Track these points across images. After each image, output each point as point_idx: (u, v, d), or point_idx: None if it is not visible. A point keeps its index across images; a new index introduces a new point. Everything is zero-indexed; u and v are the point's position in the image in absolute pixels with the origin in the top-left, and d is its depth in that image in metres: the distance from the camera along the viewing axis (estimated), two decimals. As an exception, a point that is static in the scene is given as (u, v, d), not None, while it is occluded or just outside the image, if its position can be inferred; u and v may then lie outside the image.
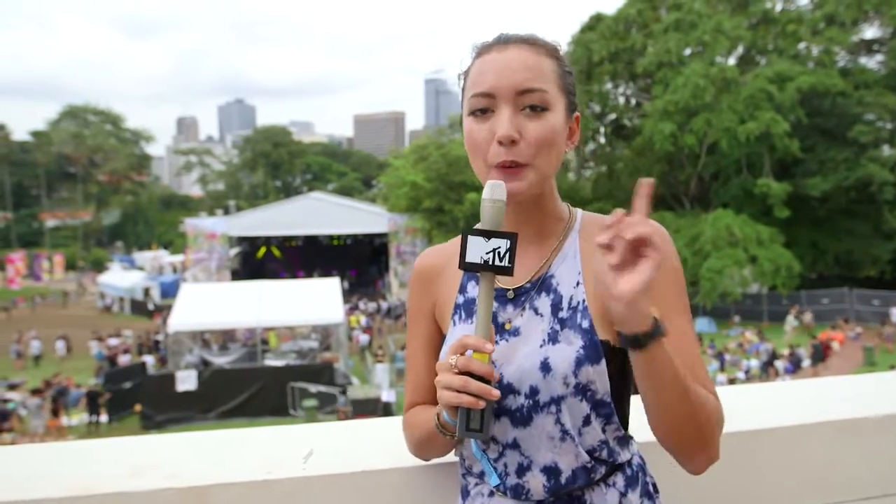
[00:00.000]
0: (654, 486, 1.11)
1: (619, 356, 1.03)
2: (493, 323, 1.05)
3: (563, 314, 1.03)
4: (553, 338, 1.02)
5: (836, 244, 30.69)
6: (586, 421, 1.01)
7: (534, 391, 1.01)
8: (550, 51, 1.05)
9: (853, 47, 32.21)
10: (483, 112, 1.03)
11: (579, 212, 1.15)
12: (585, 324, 1.01)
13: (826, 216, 30.70)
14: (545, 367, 1.00)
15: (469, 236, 0.94)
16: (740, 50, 32.58)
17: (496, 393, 0.91)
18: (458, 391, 0.91)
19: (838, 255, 31.09)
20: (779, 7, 32.49)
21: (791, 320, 24.94)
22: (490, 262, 0.93)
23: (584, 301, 1.03)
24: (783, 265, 26.65)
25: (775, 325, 27.61)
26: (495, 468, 1.05)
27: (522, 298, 1.07)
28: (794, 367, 19.38)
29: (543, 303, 1.05)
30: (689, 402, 0.94)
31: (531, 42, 1.05)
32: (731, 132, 28.01)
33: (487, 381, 0.92)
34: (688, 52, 30.44)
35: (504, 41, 1.05)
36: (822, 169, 29.59)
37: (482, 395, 0.91)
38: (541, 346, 1.02)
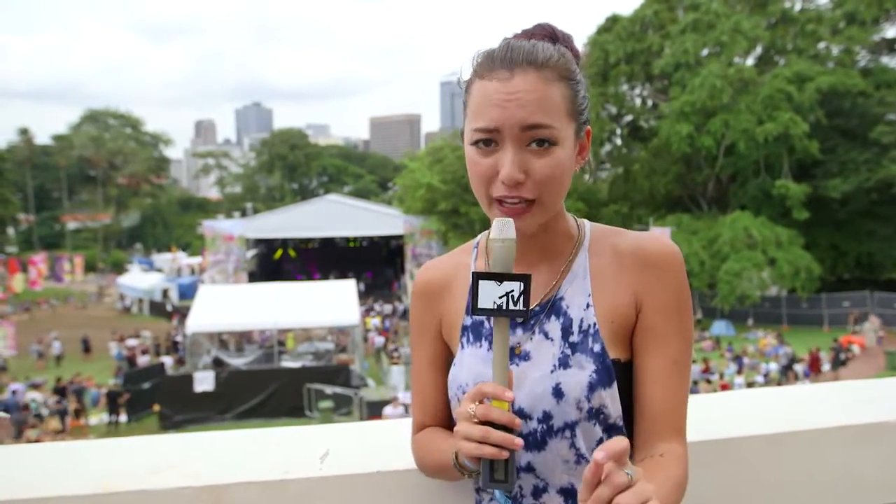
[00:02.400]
0: None
1: (627, 373, 1.02)
2: None
3: (574, 338, 1.01)
4: (564, 362, 1.00)
5: (857, 246, 30.27)
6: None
7: (547, 416, 1.00)
8: (561, 71, 0.98)
9: (874, 46, 31.78)
10: (486, 144, 0.98)
11: (588, 225, 1.11)
12: (597, 347, 1.00)
13: (847, 218, 30.28)
14: (558, 393, 0.99)
15: (480, 281, 0.88)
16: (759, 50, 32.27)
17: (519, 442, 0.86)
18: (480, 442, 0.86)
19: (859, 257, 30.66)
20: (798, 6, 32.14)
21: (868, 326, 24.45)
22: (504, 307, 0.88)
23: (594, 324, 1.01)
24: (802, 267, 26.34)
25: (794, 329, 27.30)
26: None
27: (532, 322, 1.04)
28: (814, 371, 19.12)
29: (553, 326, 1.03)
30: None
31: (539, 65, 0.96)
32: (749, 133, 27.74)
33: (510, 430, 0.87)
34: (705, 52, 30.19)
35: (509, 64, 0.96)
36: (842, 170, 29.20)
37: (505, 446, 0.86)
38: (552, 371, 1.00)
